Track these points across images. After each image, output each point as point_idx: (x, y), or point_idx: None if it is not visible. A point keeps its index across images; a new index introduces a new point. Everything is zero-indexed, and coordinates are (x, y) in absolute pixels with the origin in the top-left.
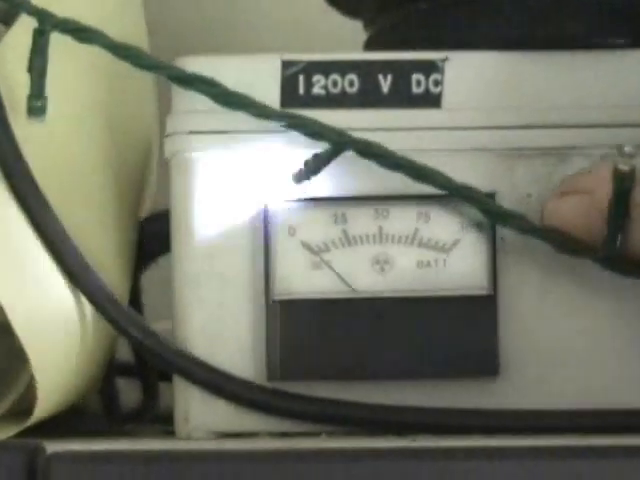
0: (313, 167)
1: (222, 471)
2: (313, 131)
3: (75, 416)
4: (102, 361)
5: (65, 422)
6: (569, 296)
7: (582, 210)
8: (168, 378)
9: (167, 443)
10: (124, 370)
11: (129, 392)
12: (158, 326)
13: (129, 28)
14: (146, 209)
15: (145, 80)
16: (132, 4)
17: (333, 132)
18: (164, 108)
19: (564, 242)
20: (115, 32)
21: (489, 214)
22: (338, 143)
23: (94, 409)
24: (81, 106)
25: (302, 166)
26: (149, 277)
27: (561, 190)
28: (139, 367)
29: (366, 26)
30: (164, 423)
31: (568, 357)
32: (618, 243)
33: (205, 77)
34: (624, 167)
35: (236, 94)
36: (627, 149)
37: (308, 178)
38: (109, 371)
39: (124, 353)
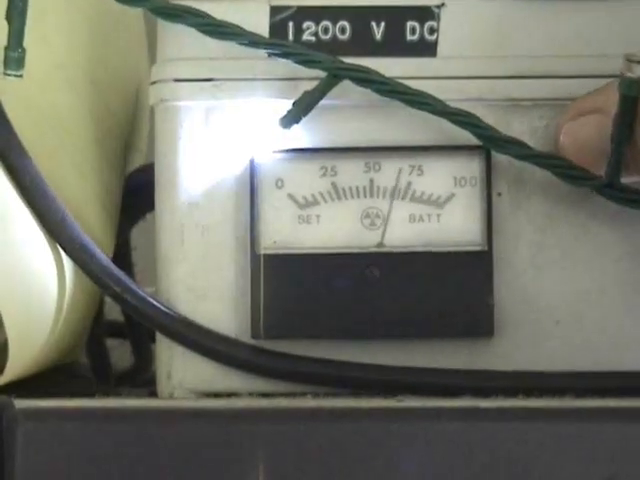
0: (304, 105)
1: (197, 430)
2: (305, 59)
3: (61, 377)
4: (84, 319)
5: (53, 384)
6: (568, 252)
7: (598, 130)
8: None
9: (144, 402)
10: (115, 331)
11: (121, 354)
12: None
13: None
14: (137, 163)
15: (133, 30)
16: None
17: (327, 59)
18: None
19: (565, 168)
20: None
21: (489, 141)
22: (332, 70)
23: (83, 370)
24: (61, 51)
25: (291, 106)
26: (147, 241)
27: (574, 112)
28: (130, 327)
29: None
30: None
31: (567, 316)
32: (622, 167)
33: (192, 8)
34: (631, 74)
35: (225, 23)
36: (636, 57)
37: (298, 120)
38: (98, 332)
39: (115, 313)
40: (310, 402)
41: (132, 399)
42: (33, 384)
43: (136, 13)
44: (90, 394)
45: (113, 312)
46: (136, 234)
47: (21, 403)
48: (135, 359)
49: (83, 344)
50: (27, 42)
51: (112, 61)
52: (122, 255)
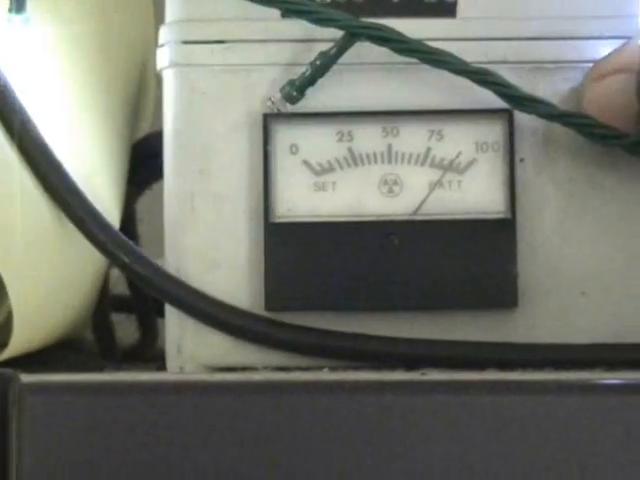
0: (319, 67)
1: (208, 404)
2: (320, 17)
3: (67, 352)
4: (92, 292)
5: (55, 358)
6: (595, 219)
7: (622, 89)
8: None
9: (154, 375)
10: (121, 305)
11: (127, 328)
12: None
13: None
14: (144, 130)
15: None
16: None
17: (343, 17)
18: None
19: (594, 127)
20: None
21: (513, 100)
22: (349, 28)
23: (89, 345)
24: (70, 19)
25: (306, 68)
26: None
27: (597, 74)
28: (136, 302)
29: None
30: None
31: (593, 286)
32: None
33: None
34: None
35: None
36: None
37: (313, 82)
38: (104, 306)
39: (122, 287)
40: (330, 375)
41: (144, 373)
42: (38, 359)
43: None
44: (96, 369)
45: (118, 286)
46: (140, 205)
47: (27, 377)
48: (141, 334)
49: (89, 319)
50: (33, 6)
51: (120, 29)
52: (128, 225)
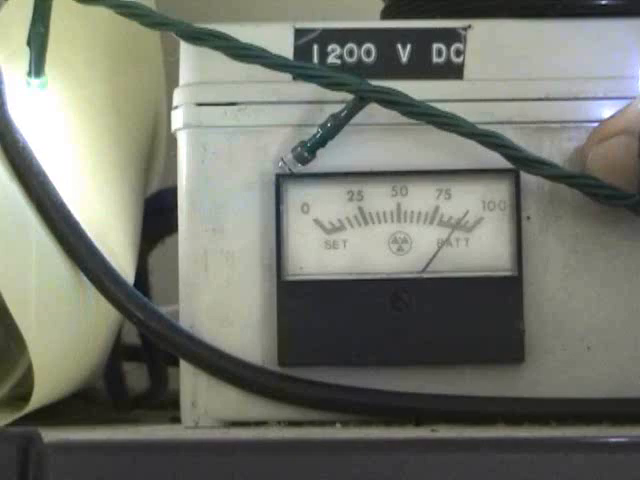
0: (330, 129)
1: (226, 463)
2: (331, 81)
3: (80, 402)
4: (106, 344)
5: (69, 408)
6: (599, 275)
7: (625, 150)
8: (176, 362)
9: (171, 432)
10: (131, 354)
11: (138, 377)
12: (168, 310)
13: None
14: (154, 187)
15: (152, 54)
16: None
17: (353, 81)
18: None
19: (598, 187)
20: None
21: (519, 162)
22: (359, 92)
23: (101, 394)
24: (83, 79)
25: (317, 130)
26: (158, 259)
27: (600, 135)
28: (146, 351)
29: None
30: (173, 408)
31: (598, 341)
32: None
33: (216, 31)
34: None
35: (249, 46)
36: None
37: (324, 144)
38: (115, 355)
39: (132, 337)
40: (341, 432)
41: (161, 429)
42: (53, 410)
43: (154, 38)
44: (112, 422)
45: (129, 335)
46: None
47: (49, 435)
48: (151, 382)
49: (102, 369)
50: (50, 70)
51: (132, 88)
52: (141, 279)
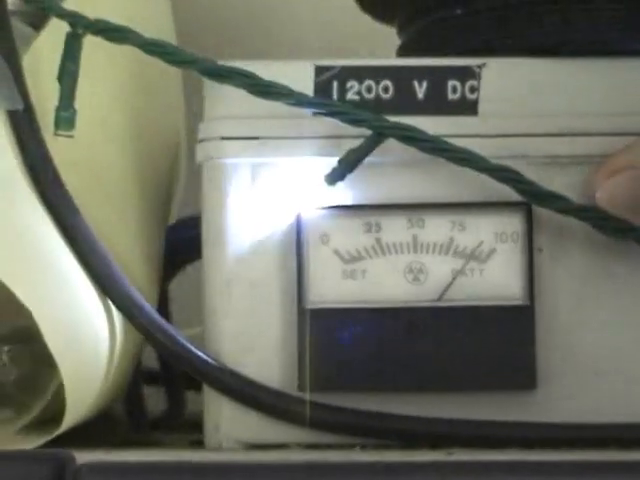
0: (349, 163)
1: None
2: (351, 118)
3: (99, 423)
4: (129, 368)
5: (89, 429)
6: (608, 305)
7: (633, 185)
8: (193, 386)
9: (198, 454)
10: (150, 378)
11: (155, 400)
12: (189, 333)
13: (156, 29)
14: (172, 215)
15: (172, 85)
16: (160, 6)
17: (372, 118)
18: (195, 116)
19: (607, 221)
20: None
21: (531, 196)
22: (377, 128)
23: (119, 416)
24: (106, 107)
25: (336, 164)
26: (174, 284)
27: (609, 170)
28: (165, 375)
29: (399, 32)
30: (189, 431)
31: (608, 368)
32: None
33: (240, 68)
34: None
35: (272, 84)
36: None
37: (343, 177)
38: (135, 378)
39: (150, 360)
40: (360, 456)
41: (187, 451)
42: (72, 431)
43: (174, 70)
44: (129, 441)
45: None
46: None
47: (82, 457)
48: (169, 406)
49: (123, 391)
50: (76, 102)
51: (154, 116)
52: (162, 306)
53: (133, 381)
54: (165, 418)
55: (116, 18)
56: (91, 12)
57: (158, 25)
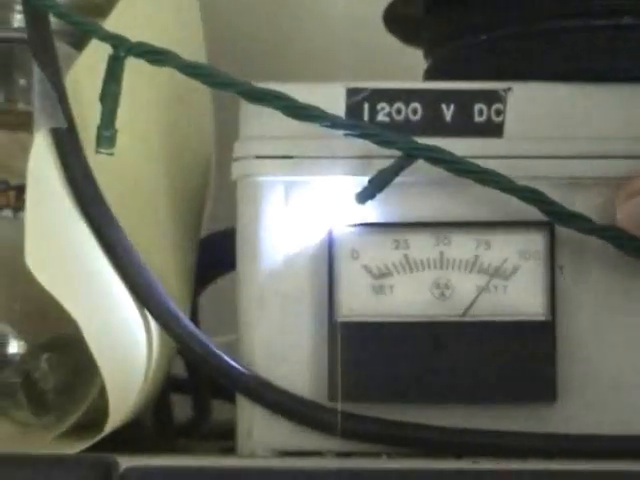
0: (379, 183)
1: None
2: (382, 139)
3: (126, 430)
4: (162, 377)
5: (116, 435)
6: (627, 322)
7: None
8: (220, 395)
9: (235, 460)
10: (177, 386)
11: (181, 407)
12: (219, 340)
13: (190, 51)
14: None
15: (204, 104)
16: (192, 27)
17: (402, 139)
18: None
19: (627, 240)
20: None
21: (554, 216)
22: (407, 149)
23: (145, 422)
24: (148, 127)
25: (367, 183)
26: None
27: (629, 192)
28: (192, 383)
29: (426, 55)
30: (215, 439)
31: (627, 383)
32: None
33: (275, 91)
34: None
35: (306, 106)
36: None
37: (373, 196)
38: (165, 387)
39: (177, 368)
40: (387, 463)
41: (222, 458)
42: (104, 437)
43: (206, 90)
44: (158, 448)
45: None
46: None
47: (125, 462)
48: (195, 413)
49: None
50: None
51: (188, 131)
52: (192, 317)
53: (163, 389)
54: (191, 426)
55: (154, 39)
56: (131, 34)
57: (192, 47)
